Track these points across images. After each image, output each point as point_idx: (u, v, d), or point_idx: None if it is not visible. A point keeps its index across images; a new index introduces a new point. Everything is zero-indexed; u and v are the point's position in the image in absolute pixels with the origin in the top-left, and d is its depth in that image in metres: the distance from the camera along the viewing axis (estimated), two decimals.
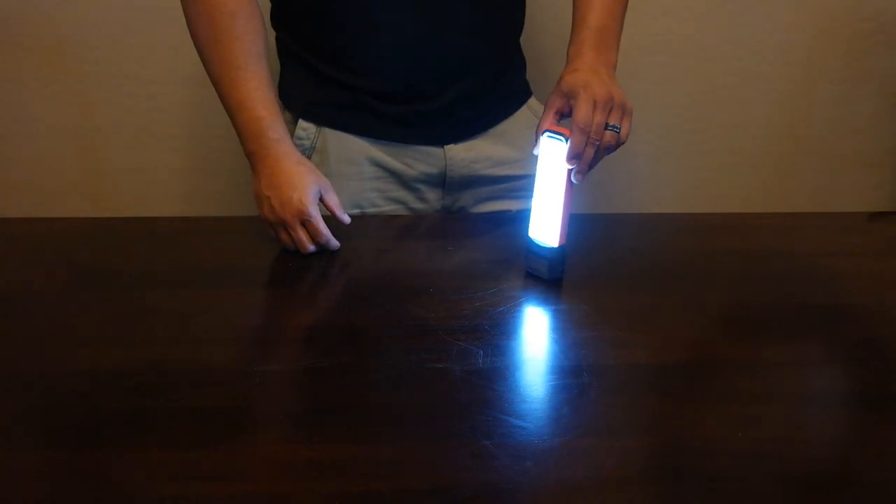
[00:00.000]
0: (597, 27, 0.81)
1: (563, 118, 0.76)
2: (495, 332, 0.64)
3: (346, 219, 0.81)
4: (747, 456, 0.50)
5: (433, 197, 0.93)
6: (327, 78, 0.86)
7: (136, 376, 0.58)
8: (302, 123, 0.88)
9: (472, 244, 0.82)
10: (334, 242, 0.78)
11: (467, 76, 0.87)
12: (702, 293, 0.72)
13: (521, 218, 0.93)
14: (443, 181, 0.92)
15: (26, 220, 0.89)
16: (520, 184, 0.95)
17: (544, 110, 0.76)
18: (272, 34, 0.89)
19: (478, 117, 0.91)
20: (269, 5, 0.88)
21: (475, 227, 0.89)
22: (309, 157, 0.90)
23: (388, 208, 0.91)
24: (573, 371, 0.59)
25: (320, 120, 0.88)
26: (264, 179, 0.79)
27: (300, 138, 0.88)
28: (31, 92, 1.29)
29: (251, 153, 0.80)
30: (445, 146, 0.90)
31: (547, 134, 0.72)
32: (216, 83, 0.80)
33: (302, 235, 0.77)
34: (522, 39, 0.96)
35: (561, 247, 0.72)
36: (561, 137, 0.71)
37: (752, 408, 0.56)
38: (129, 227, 0.87)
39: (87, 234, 0.84)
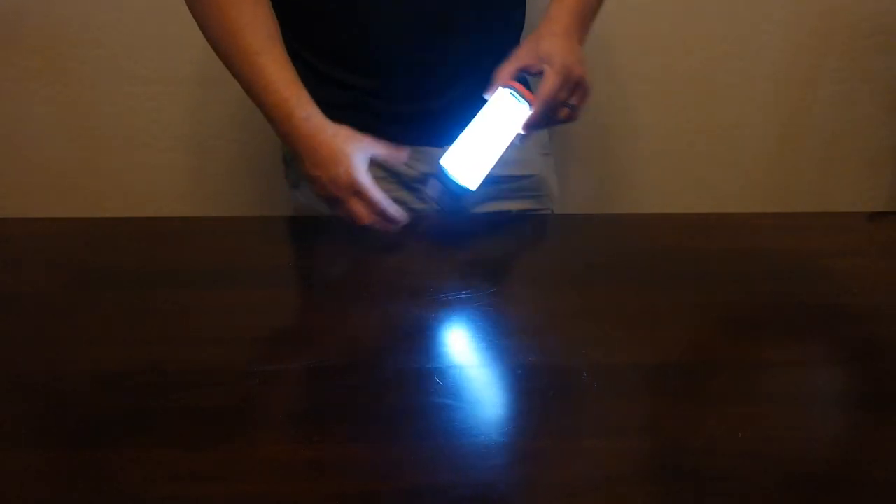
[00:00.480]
0: None
1: (524, 72, 0.78)
2: (495, 332, 0.64)
3: (403, 156, 0.79)
4: (747, 456, 0.50)
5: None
6: (327, 77, 0.86)
7: (136, 376, 0.58)
8: None
9: (473, 244, 0.82)
10: (393, 209, 0.76)
11: (468, 76, 0.87)
12: (702, 293, 0.72)
13: (523, 218, 0.93)
14: None
15: (26, 220, 0.89)
16: (521, 184, 0.95)
17: (511, 59, 0.77)
18: None
19: None
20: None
21: (475, 227, 0.89)
22: None
23: None
24: (573, 371, 0.59)
25: None
26: (307, 160, 0.77)
27: None
28: (31, 92, 1.29)
29: (285, 136, 0.79)
30: (446, 146, 0.90)
31: (510, 91, 0.74)
32: (237, 74, 0.79)
33: (356, 208, 0.76)
34: (522, 39, 0.96)
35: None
36: (522, 100, 0.74)
37: (752, 408, 0.56)
38: (129, 227, 0.87)
39: (87, 234, 0.84)
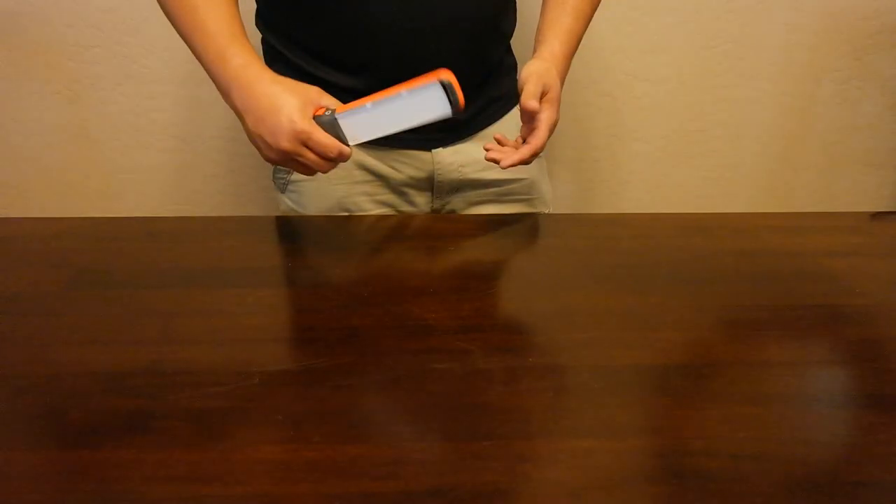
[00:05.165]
0: (571, 29, 0.83)
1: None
2: (495, 332, 0.64)
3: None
4: (747, 456, 0.50)
5: (422, 201, 0.93)
6: (311, 76, 0.85)
7: (136, 376, 0.58)
8: None
9: (472, 244, 0.82)
10: (346, 149, 0.71)
11: (456, 77, 0.86)
12: (702, 293, 0.72)
13: (523, 219, 0.93)
14: (431, 185, 0.91)
15: (26, 220, 0.89)
16: (511, 187, 0.94)
17: (529, 90, 0.78)
18: (257, 36, 0.88)
19: (467, 120, 0.90)
20: (254, 6, 0.88)
21: (475, 228, 0.89)
22: None
23: (377, 211, 0.91)
24: (573, 371, 0.59)
25: None
26: (248, 117, 0.71)
27: None
28: (31, 92, 1.29)
29: (226, 93, 0.73)
30: (433, 150, 0.89)
31: (441, 84, 0.71)
32: (184, 37, 0.76)
33: (309, 157, 0.70)
34: (513, 41, 0.96)
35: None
36: (448, 101, 0.73)
37: (752, 408, 0.56)
38: (129, 227, 0.87)
39: (87, 234, 0.84)
